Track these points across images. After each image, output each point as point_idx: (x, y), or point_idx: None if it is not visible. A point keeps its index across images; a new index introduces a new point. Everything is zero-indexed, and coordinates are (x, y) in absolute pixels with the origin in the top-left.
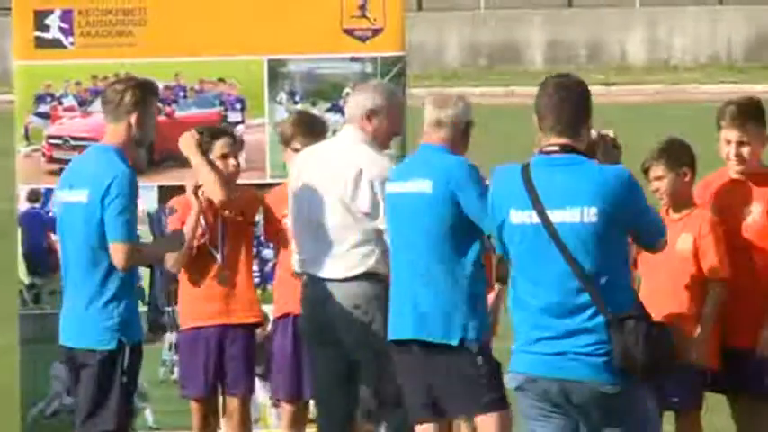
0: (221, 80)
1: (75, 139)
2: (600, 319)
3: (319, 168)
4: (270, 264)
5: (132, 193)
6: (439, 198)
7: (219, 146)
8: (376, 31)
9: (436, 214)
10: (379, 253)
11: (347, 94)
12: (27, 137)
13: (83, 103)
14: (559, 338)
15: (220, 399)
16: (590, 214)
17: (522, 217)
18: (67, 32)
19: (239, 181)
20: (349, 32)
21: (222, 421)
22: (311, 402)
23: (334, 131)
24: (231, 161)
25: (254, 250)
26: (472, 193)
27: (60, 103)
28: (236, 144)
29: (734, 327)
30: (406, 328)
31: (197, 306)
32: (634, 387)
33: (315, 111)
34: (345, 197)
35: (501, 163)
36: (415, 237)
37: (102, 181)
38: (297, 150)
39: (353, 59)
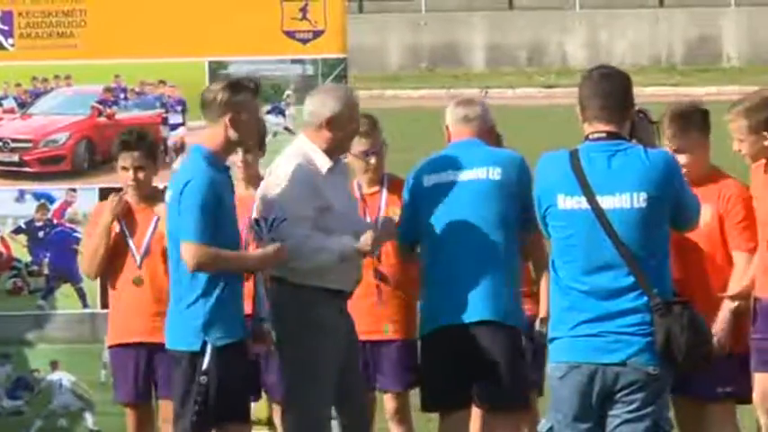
0: (162, 82)
1: (14, 140)
2: (645, 301)
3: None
4: None
5: (204, 196)
6: (507, 184)
7: (121, 158)
8: (317, 34)
9: (506, 200)
10: None
11: (288, 95)
12: None
13: (23, 104)
14: (603, 320)
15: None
16: (640, 200)
17: (571, 203)
18: (7, 34)
19: None
20: (290, 34)
21: (161, 426)
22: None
23: (275, 134)
24: (130, 174)
25: None
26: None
27: (0, 105)
28: (142, 156)
29: None
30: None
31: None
32: (668, 372)
33: None
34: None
35: None
36: (481, 222)
37: (181, 181)
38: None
39: (294, 61)
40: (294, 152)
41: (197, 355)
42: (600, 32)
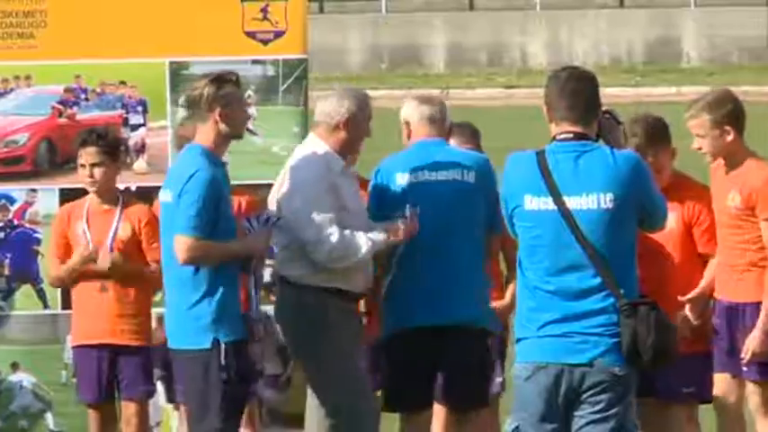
0: (123, 83)
1: None
2: (612, 301)
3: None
4: None
5: (206, 191)
6: (479, 186)
7: (79, 154)
8: (278, 34)
9: (478, 201)
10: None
11: (249, 96)
12: None
13: None
14: (570, 320)
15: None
16: (607, 200)
17: (538, 203)
18: None
19: (144, 183)
20: (251, 35)
21: (121, 427)
22: None
23: None
24: (87, 171)
25: None
26: (495, 183)
27: None
28: (102, 152)
29: None
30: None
31: (89, 318)
32: (634, 373)
33: None
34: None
35: None
36: (450, 224)
37: (181, 179)
38: None
39: (255, 62)
40: (311, 153)
41: (207, 353)
42: (560, 33)
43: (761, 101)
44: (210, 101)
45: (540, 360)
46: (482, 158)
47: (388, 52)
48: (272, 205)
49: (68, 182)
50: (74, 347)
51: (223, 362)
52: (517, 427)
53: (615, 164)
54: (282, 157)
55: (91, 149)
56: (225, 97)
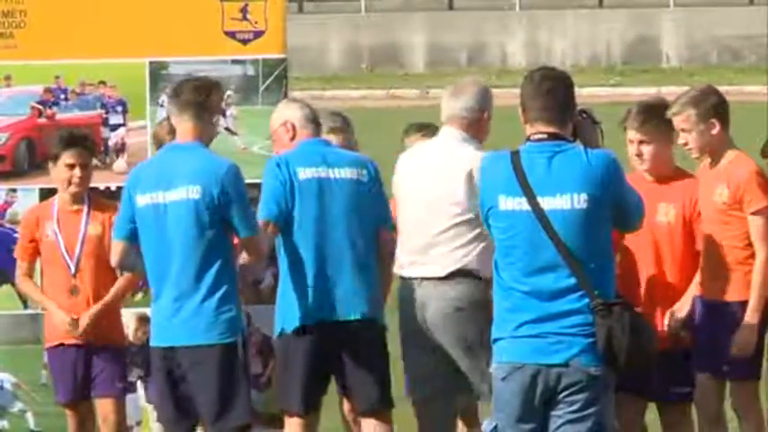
0: (102, 82)
1: None
2: (587, 302)
3: (428, 170)
4: None
5: (245, 186)
6: (371, 184)
7: (65, 155)
8: (257, 34)
9: (370, 199)
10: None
11: (229, 96)
12: None
13: None
14: (545, 321)
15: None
16: (580, 200)
17: (512, 203)
18: None
19: (123, 183)
20: (230, 35)
21: (101, 425)
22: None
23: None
24: (76, 171)
25: None
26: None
27: None
28: (87, 153)
29: None
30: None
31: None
32: (610, 372)
33: None
34: (458, 197)
35: (383, 163)
36: (351, 220)
37: (218, 175)
38: None
39: (235, 62)
40: (467, 147)
41: (233, 348)
42: (540, 33)
43: (741, 100)
44: (217, 106)
45: (515, 360)
46: (367, 158)
47: (368, 52)
48: (456, 199)
49: (48, 182)
50: (47, 349)
51: (242, 357)
52: (495, 427)
53: (589, 164)
54: (263, 156)
55: (78, 150)
56: (220, 106)
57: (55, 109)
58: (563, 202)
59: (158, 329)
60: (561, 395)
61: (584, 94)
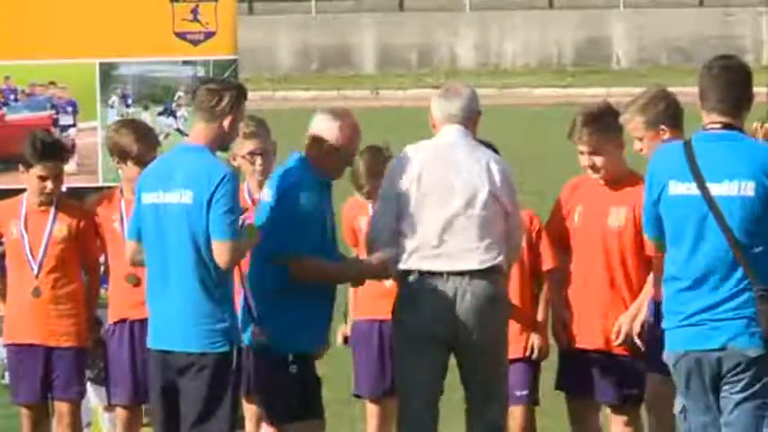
0: (52, 83)
1: None
2: (749, 288)
3: (450, 165)
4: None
5: (237, 194)
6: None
7: (39, 168)
8: (208, 35)
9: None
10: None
11: (179, 97)
12: None
13: None
14: (707, 308)
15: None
16: (747, 188)
17: (682, 188)
18: None
19: (74, 184)
20: (181, 36)
21: (53, 426)
22: (143, 407)
23: (166, 135)
24: (48, 183)
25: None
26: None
27: None
28: (61, 163)
29: (586, 328)
30: None
31: (23, 319)
32: None
33: (147, 114)
34: (494, 191)
35: None
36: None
37: (211, 180)
38: (138, 164)
39: (185, 63)
40: (480, 145)
41: (226, 357)
42: (490, 34)
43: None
44: (227, 108)
45: (679, 349)
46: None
47: (318, 53)
48: (477, 191)
49: (0, 182)
50: (6, 345)
51: (235, 366)
52: (684, 407)
53: (760, 154)
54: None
55: (53, 163)
56: (242, 111)
57: (4, 110)
58: (730, 189)
59: (156, 331)
60: (725, 378)
61: (535, 95)
